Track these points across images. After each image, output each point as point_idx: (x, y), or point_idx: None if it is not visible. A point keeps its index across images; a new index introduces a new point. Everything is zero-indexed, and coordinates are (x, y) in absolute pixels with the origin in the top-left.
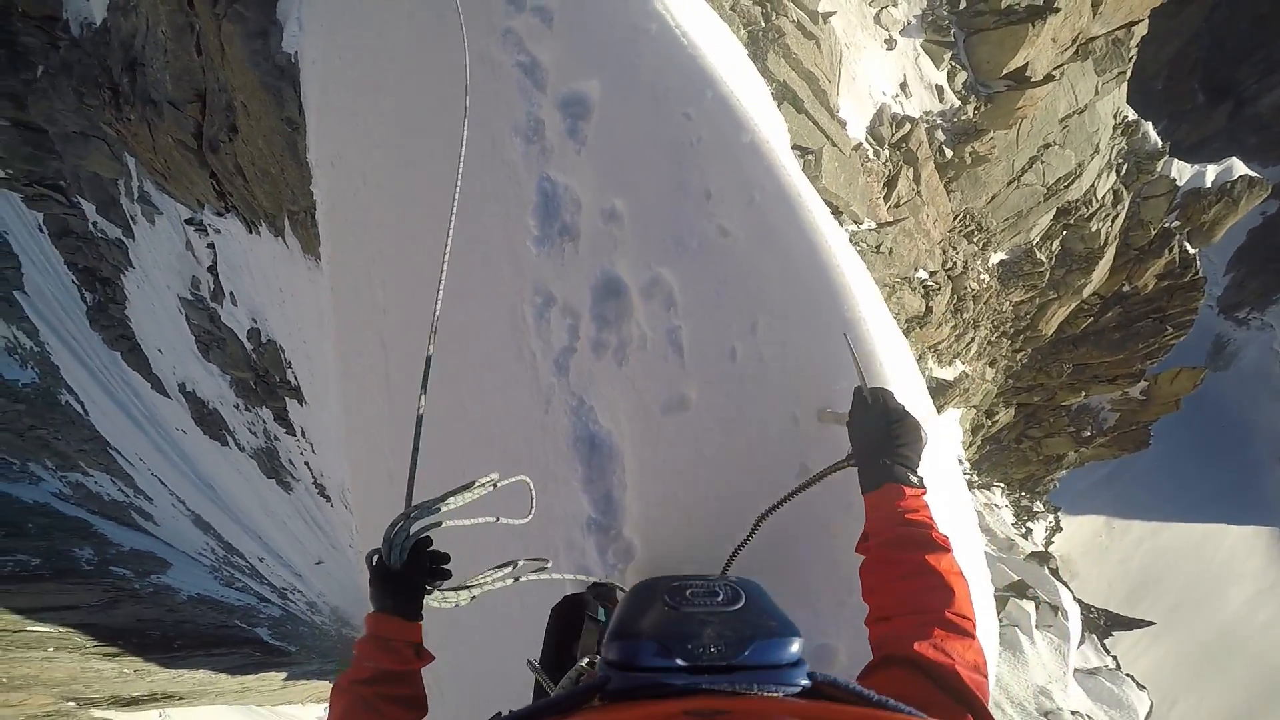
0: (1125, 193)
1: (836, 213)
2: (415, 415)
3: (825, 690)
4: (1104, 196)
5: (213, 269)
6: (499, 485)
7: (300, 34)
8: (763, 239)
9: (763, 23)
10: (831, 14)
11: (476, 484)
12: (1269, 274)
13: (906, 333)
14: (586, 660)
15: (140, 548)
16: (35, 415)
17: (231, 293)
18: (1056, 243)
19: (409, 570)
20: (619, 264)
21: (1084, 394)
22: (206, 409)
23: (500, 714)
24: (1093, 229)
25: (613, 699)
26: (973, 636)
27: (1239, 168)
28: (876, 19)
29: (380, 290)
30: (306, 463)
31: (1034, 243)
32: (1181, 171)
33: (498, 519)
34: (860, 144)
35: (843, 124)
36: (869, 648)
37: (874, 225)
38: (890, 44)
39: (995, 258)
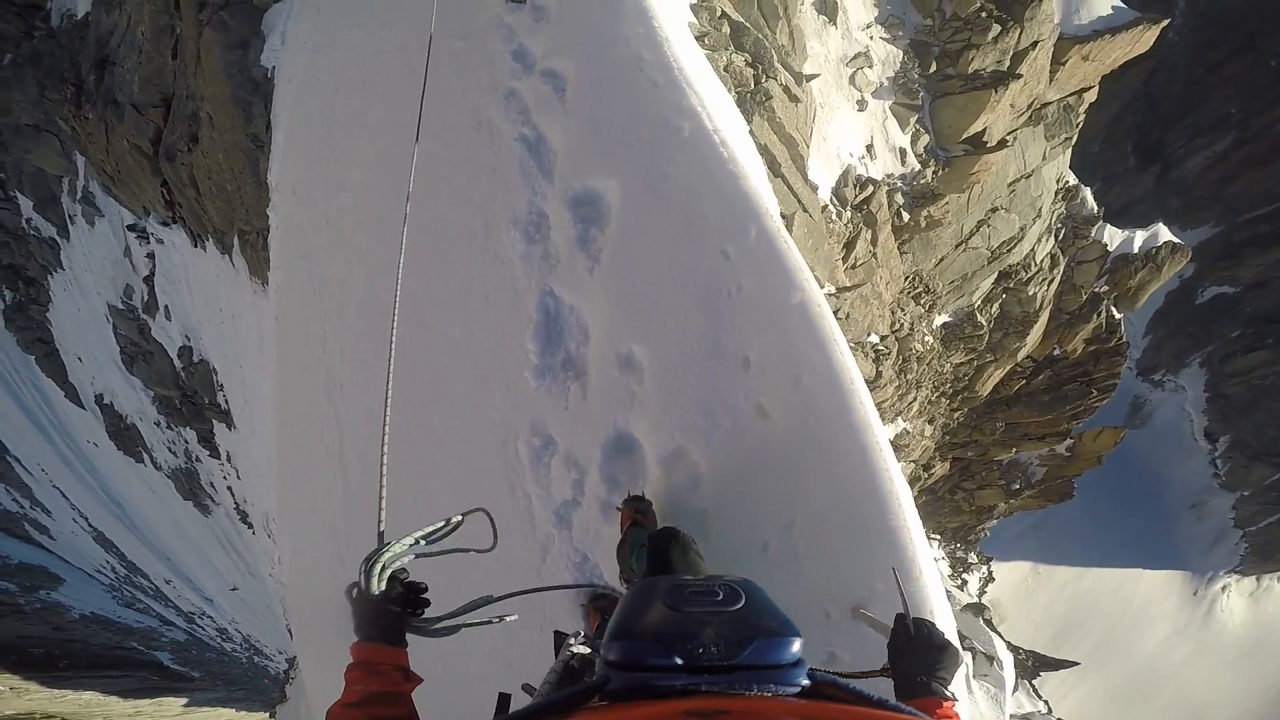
0: (1061, 257)
1: None
2: (378, 464)
3: (825, 690)
4: (1042, 260)
5: (149, 279)
6: (465, 517)
7: (281, 49)
8: (809, 431)
9: (753, 85)
10: (815, 76)
11: (448, 520)
12: (1184, 337)
13: None
14: (576, 634)
15: (30, 561)
16: None
17: (166, 306)
18: (996, 305)
19: (387, 600)
20: (635, 425)
21: (1014, 450)
22: (124, 423)
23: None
24: (1030, 293)
25: (613, 699)
26: None
27: (1164, 233)
28: (851, 80)
29: (337, 358)
30: (229, 487)
31: (975, 305)
32: (1113, 237)
33: (469, 550)
34: (825, 205)
35: (814, 188)
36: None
37: (833, 290)
38: (862, 105)
39: (939, 319)
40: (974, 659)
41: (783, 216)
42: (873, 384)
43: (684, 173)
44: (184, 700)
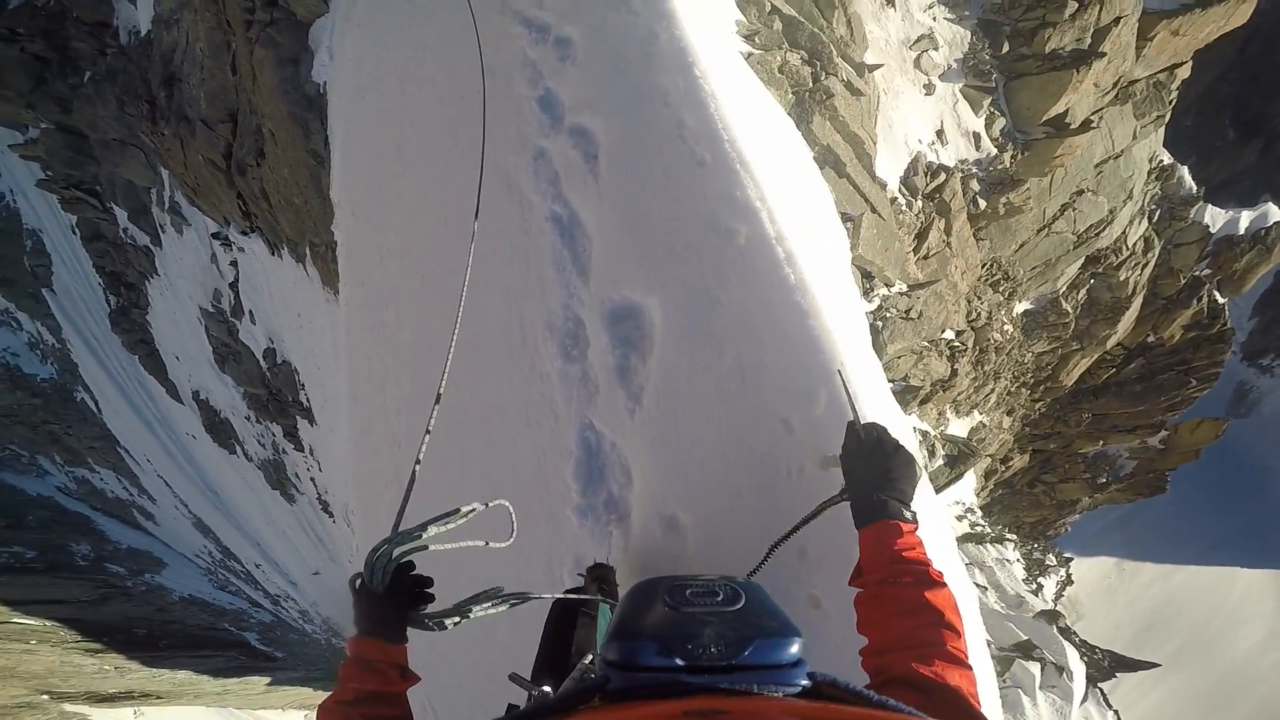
0: (1156, 240)
1: (868, 277)
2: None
3: (825, 690)
4: (1134, 244)
5: (234, 285)
6: (489, 506)
7: (330, 64)
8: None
9: (811, 83)
10: (878, 66)
11: (461, 511)
12: None
13: (929, 397)
14: (590, 659)
15: (138, 546)
16: (50, 410)
17: (251, 310)
18: (1083, 291)
19: (391, 594)
20: None
21: (1101, 442)
22: (218, 417)
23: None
24: (1121, 278)
25: (613, 699)
26: (970, 669)
27: (1274, 213)
28: (916, 63)
29: (394, 414)
30: (312, 479)
31: (1060, 292)
32: (1215, 218)
33: (486, 543)
34: (894, 196)
35: (883, 185)
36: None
37: (905, 288)
38: (929, 89)
39: (1020, 307)
40: (1043, 669)
41: (848, 220)
42: (947, 382)
43: (738, 300)
44: (268, 679)
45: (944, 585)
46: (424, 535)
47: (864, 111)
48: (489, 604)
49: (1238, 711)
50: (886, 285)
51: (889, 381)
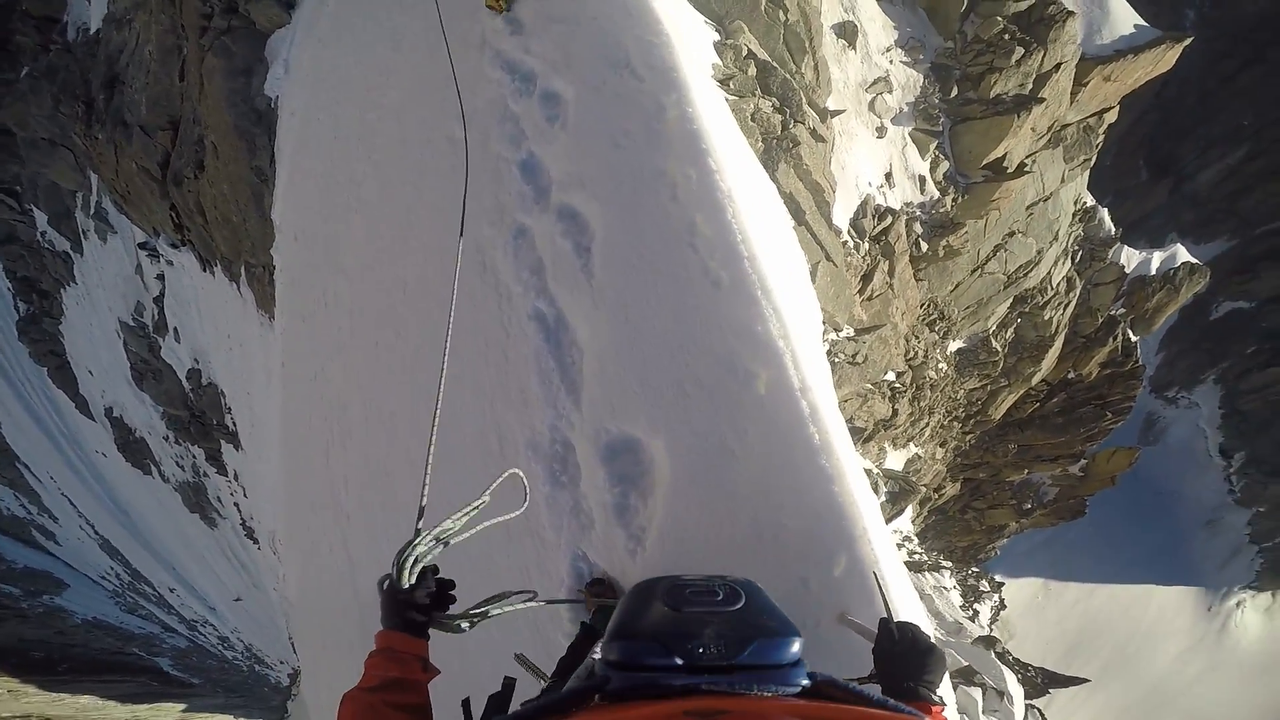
0: (1078, 280)
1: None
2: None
3: (825, 690)
4: (1058, 284)
5: (159, 300)
6: (499, 482)
7: (285, 78)
8: None
9: (779, 131)
10: (840, 112)
11: (474, 504)
12: (1198, 353)
13: (871, 436)
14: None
15: (36, 566)
16: None
17: (176, 328)
18: (1011, 330)
19: (416, 593)
20: None
21: (1027, 471)
22: (132, 436)
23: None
24: (1045, 317)
25: (613, 698)
26: None
27: (1182, 254)
28: (871, 106)
29: (344, 479)
30: (236, 504)
31: (990, 331)
32: (1130, 258)
33: (505, 517)
34: (845, 240)
35: (838, 232)
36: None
37: (852, 333)
38: (881, 131)
39: (953, 346)
40: (984, 694)
41: (810, 268)
42: (889, 423)
43: (757, 456)
44: (183, 706)
45: None
46: (441, 534)
47: (824, 159)
48: (504, 605)
49: None
50: (835, 330)
51: None
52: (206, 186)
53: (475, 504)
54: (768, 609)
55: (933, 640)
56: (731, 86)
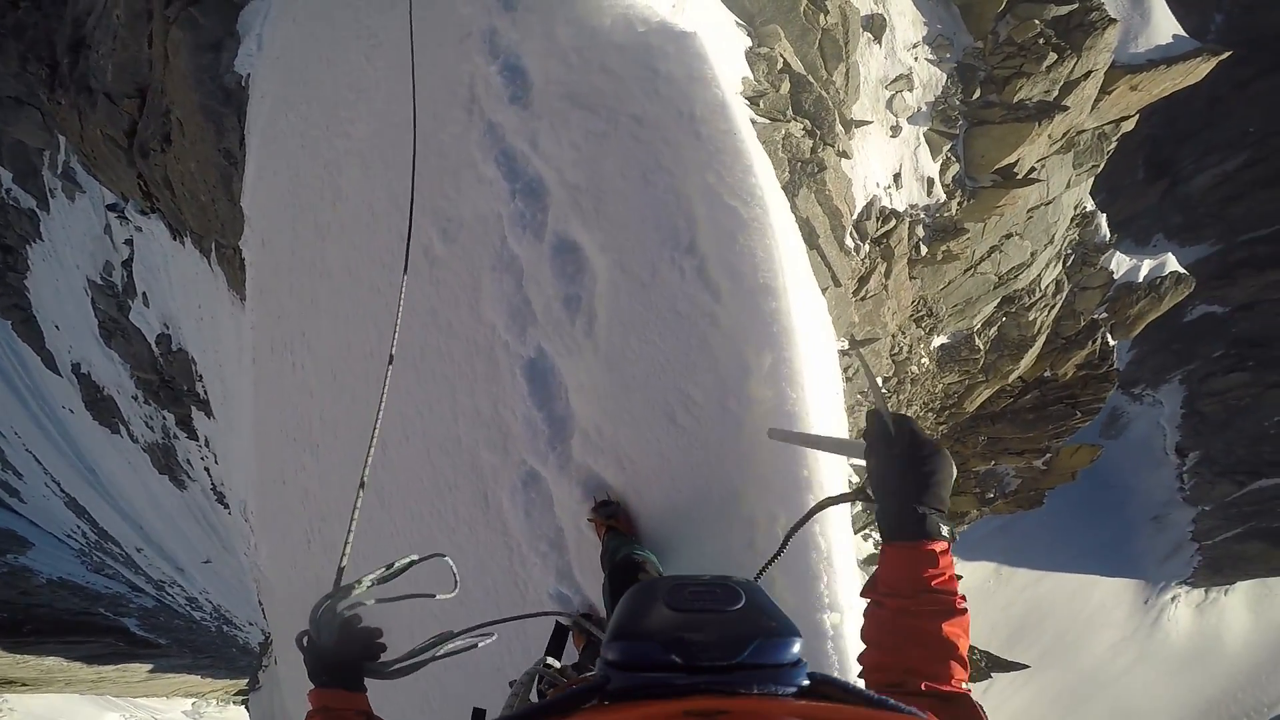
0: (1066, 283)
1: None
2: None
3: (825, 690)
4: (1047, 286)
5: (127, 264)
6: (418, 562)
7: (257, 55)
8: None
9: (808, 154)
10: (867, 123)
11: (396, 564)
12: (1168, 353)
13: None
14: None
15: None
16: None
17: (145, 293)
18: (995, 329)
19: (341, 648)
20: None
21: (993, 462)
22: (100, 394)
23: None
24: (1030, 318)
25: (612, 699)
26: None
27: (1171, 263)
28: (889, 104)
29: (311, 490)
30: (206, 469)
31: (975, 329)
32: (1120, 264)
33: (434, 595)
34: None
35: (848, 255)
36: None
37: (845, 346)
38: (895, 130)
39: (937, 341)
40: None
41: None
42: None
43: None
44: (149, 666)
45: (964, 612)
46: (363, 588)
47: (847, 183)
48: (443, 647)
49: (1094, 712)
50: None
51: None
52: (174, 162)
53: (400, 565)
54: (768, 609)
55: (934, 439)
56: (762, 106)
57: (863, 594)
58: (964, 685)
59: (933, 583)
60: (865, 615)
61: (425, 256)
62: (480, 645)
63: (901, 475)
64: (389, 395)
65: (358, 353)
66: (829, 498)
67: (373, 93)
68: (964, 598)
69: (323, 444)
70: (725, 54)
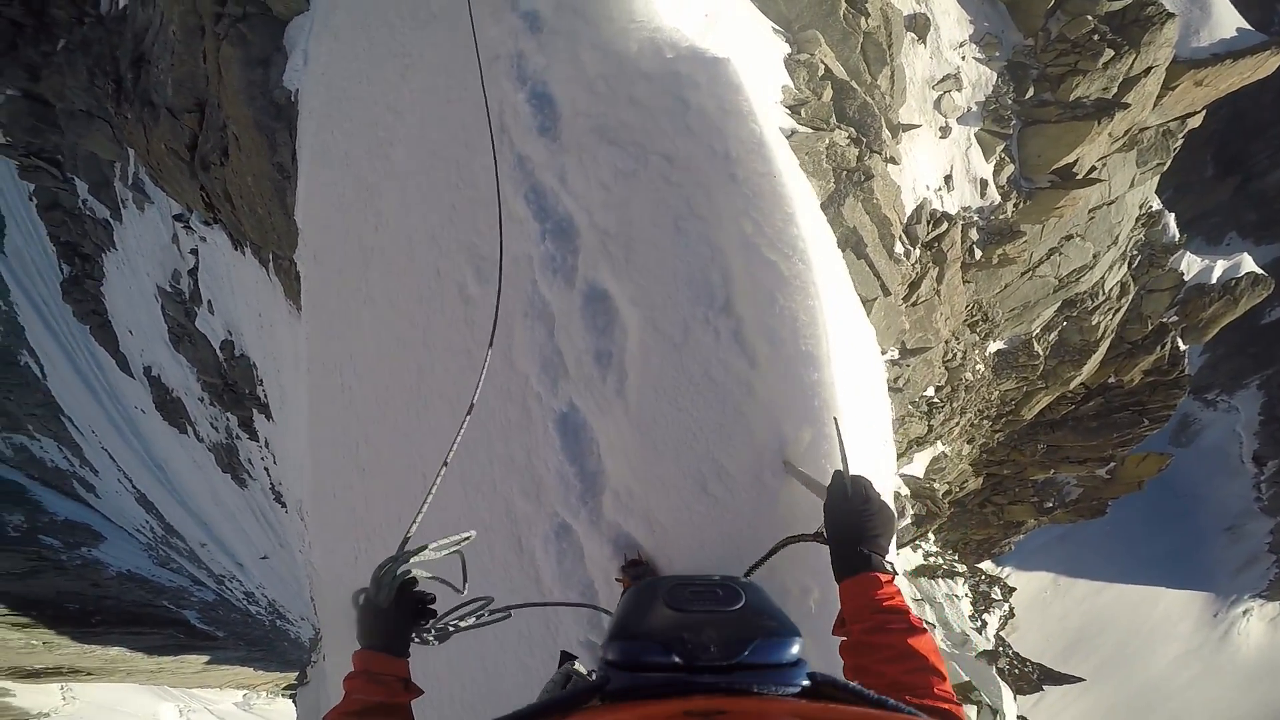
0: (1132, 285)
1: None
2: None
3: (825, 689)
4: (1111, 289)
5: (194, 273)
6: (471, 539)
7: (304, 70)
8: None
9: (854, 163)
10: (916, 127)
11: (461, 536)
12: (1244, 358)
13: (902, 453)
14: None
15: (76, 518)
16: None
17: (210, 300)
18: (1055, 334)
19: (395, 609)
20: None
21: (1052, 471)
22: (169, 395)
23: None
24: (1093, 321)
25: (613, 699)
26: (960, 707)
27: (1247, 263)
28: (936, 104)
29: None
30: (266, 469)
31: (1034, 334)
32: (1190, 265)
33: (461, 555)
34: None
35: (897, 262)
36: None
37: (895, 356)
38: (945, 131)
39: (993, 347)
40: (979, 712)
41: (864, 300)
42: (923, 441)
43: None
44: (206, 658)
45: (925, 631)
46: (425, 556)
47: (896, 191)
48: (485, 614)
49: None
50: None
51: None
52: (232, 175)
53: (464, 536)
54: (768, 609)
55: (884, 499)
56: (804, 115)
57: (834, 632)
58: (950, 701)
59: (884, 603)
60: (841, 653)
61: (460, 295)
62: (512, 615)
63: (850, 525)
64: (438, 434)
65: (399, 387)
66: (789, 537)
67: (408, 115)
68: (921, 620)
69: (369, 468)
70: (763, 63)
